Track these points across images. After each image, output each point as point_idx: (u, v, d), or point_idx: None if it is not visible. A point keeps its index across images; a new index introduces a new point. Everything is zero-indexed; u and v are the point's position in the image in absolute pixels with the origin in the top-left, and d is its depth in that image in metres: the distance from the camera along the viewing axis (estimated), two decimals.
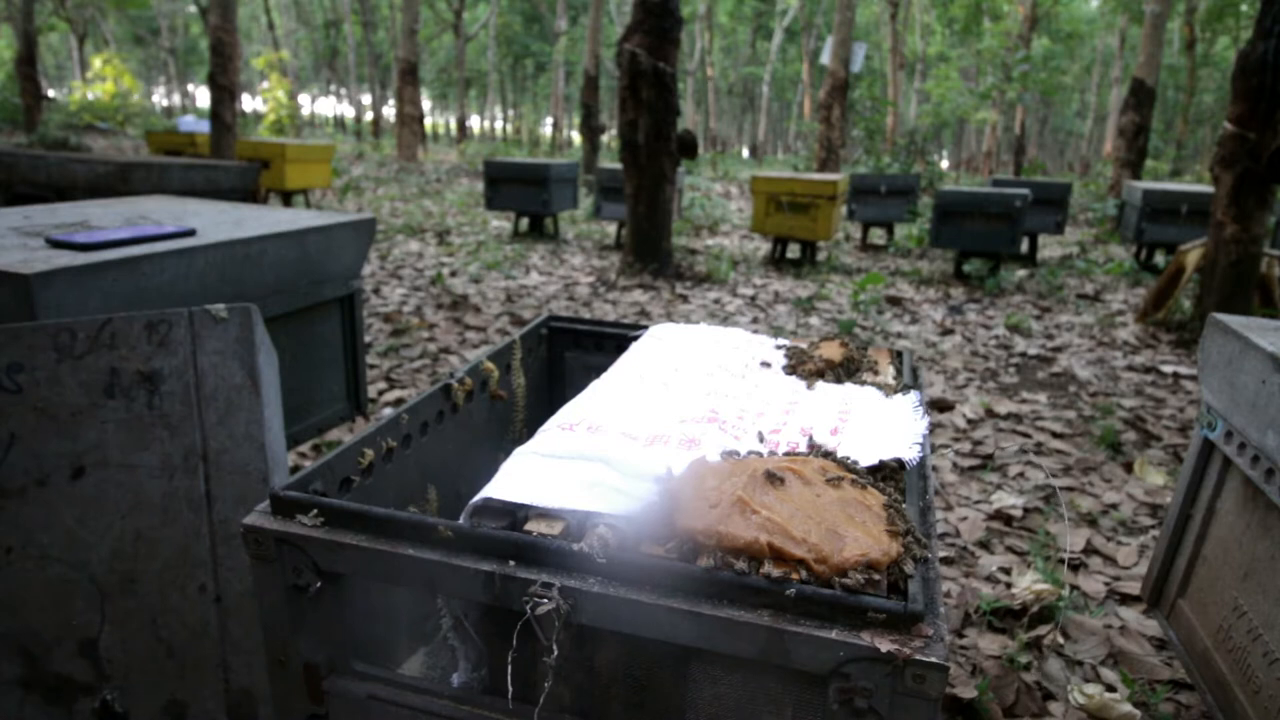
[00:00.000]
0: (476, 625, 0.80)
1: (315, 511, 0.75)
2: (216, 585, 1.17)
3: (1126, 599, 1.93)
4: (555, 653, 0.66)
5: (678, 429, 0.90)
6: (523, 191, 7.22)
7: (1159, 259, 6.78)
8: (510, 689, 0.69)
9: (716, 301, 5.09)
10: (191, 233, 1.59)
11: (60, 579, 1.12)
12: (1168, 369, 3.86)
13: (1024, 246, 6.92)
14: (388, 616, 0.87)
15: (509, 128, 40.43)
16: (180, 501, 1.14)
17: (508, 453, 0.88)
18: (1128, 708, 1.49)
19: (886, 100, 15.79)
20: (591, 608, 0.66)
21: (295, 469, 1.86)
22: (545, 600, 0.65)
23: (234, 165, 3.79)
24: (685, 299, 5.11)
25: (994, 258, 6.10)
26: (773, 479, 0.74)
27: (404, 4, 15.38)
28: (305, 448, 2.45)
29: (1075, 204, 10.62)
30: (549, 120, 33.86)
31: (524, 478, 0.79)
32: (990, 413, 3.18)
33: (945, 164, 26.39)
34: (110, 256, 1.34)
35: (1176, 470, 2.66)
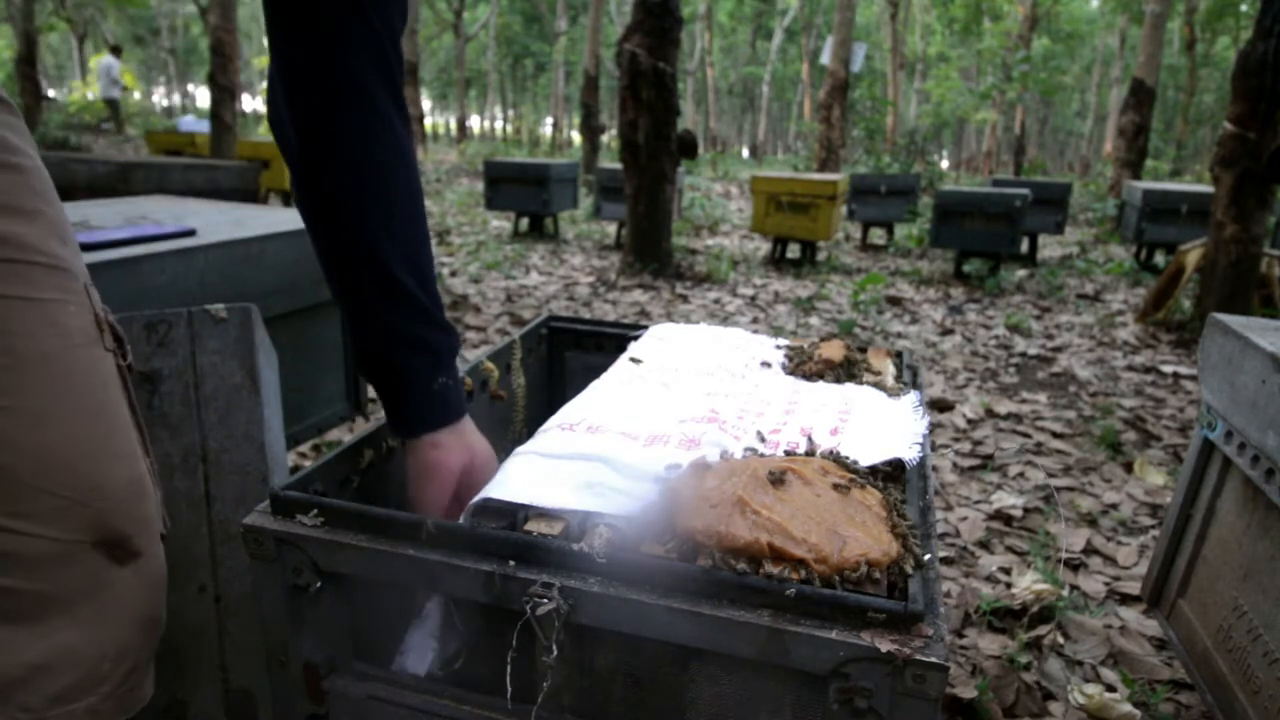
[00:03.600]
0: (464, 620, 0.80)
1: (315, 511, 0.75)
2: (216, 585, 1.17)
3: (1126, 599, 1.93)
4: (555, 653, 0.66)
5: (678, 429, 0.90)
6: (523, 191, 7.22)
7: (1159, 259, 6.78)
8: (509, 688, 0.69)
9: (716, 301, 5.09)
10: (192, 232, 1.59)
11: None
12: (1168, 369, 3.87)
13: (1024, 246, 6.92)
14: (388, 616, 0.87)
15: (509, 128, 40.40)
16: (179, 501, 1.14)
17: (508, 453, 0.88)
18: (1128, 708, 1.49)
19: (886, 100, 15.79)
20: (591, 608, 0.66)
21: (295, 469, 1.86)
22: (545, 600, 0.65)
23: (234, 165, 3.78)
24: (685, 299, 5.11)
25: (994, 258, 6.09)
26: (773, 479, 0.74)
27: None
28: (305, 448, 2.45)
29: (1075, 204, 10.61)
30: (549, 120, 33.85)
31: (524, 478, 0.79)
32: (990, 413, 3.18)
33: (945, 164, 26.40)
34: (110, 256, 1.34)
35: (1176, 470, 2.66)
